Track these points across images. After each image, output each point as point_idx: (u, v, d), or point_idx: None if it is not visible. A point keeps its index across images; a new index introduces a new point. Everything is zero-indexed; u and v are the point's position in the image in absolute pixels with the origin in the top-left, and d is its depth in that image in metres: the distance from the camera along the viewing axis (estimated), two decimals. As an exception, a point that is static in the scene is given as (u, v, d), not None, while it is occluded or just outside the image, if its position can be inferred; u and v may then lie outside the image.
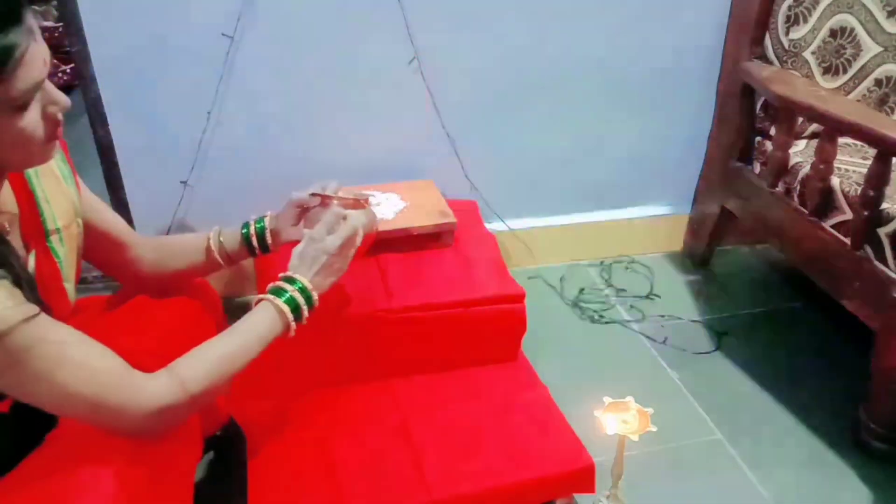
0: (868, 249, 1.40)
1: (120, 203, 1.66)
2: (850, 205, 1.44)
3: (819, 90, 1.63)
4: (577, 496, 1.22)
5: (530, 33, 1.74)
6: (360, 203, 1.19)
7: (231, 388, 0.99)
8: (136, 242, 1.10)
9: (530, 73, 1.79)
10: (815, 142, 1.57)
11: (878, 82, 1.73)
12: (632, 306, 1.89)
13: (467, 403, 1.30)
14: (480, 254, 1.53)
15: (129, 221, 1.63)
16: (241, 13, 1.54)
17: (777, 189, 1.67)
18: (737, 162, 1.83)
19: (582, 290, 1.94)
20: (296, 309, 0.99)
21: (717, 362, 1.70)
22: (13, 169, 0.84)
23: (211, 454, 1.26)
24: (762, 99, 1.75)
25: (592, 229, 2.04)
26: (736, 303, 1.92)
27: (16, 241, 0.84)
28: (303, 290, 1.00)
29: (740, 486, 1.37)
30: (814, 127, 1.72)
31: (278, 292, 0.99)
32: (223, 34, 1.55)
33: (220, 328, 0.97)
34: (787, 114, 1.59)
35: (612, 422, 1.10)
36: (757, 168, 1.78)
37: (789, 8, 1.65)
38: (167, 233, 1.68)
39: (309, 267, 1.03)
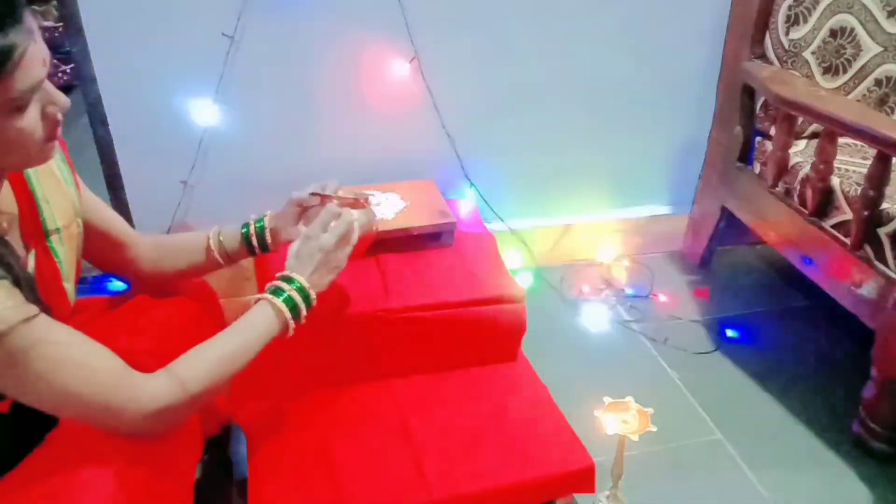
0: (868, 249, 1.40)
1: (120, 203, 1.66)
2: (850, 205, 1.44)
3: (819, 90, 1.63)
4: (577, 496, 1.22)
5: (530, 33, 1.74)
6: (359, 202, 1.19)
7: (231, 388, 0.99)
8: (136, 242, 1.10)
9: (530, 73, 1.79)
10: (815, 142, 1.57)
11: (878, 82, 1.72)
12: (632, 306, 1.89)
13: (467, 403, 1.29)
14: (480, 254, 1.53)
15: (129, 221, 1.63)
16: (241, 13, 1.54)
17: (777, 189, 1.67)
18: (737, 162, 1.83)
19: (582, 290, 1.94)
20: (294, 308, 0.99)
21: (717, 362, 1.70)
22: (13, 169, 0.84)
23: (211, 454, 1.26)
24: (762, 99, 1.75)
25: (592, 229, 2.04)
26: (736, 303, 1.92)
27: (15, 241, 0.84)
28: (301, 290, 1.00)
29: (740, 486, 1.37)
30: (814, 127, 1.72)
31: (276, 292, 0.99)
32: (223, 34, 1.55)
33: (219, 328, 0.96)
34: (787, 114, 1.59)
35: (612, 422, 1.10)
36: (757, 168, 1.78)
37: (789, 8, 1.65)
38: (167, 233, 1.68)
39: (306, 265, 1.03)
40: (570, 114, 1.87)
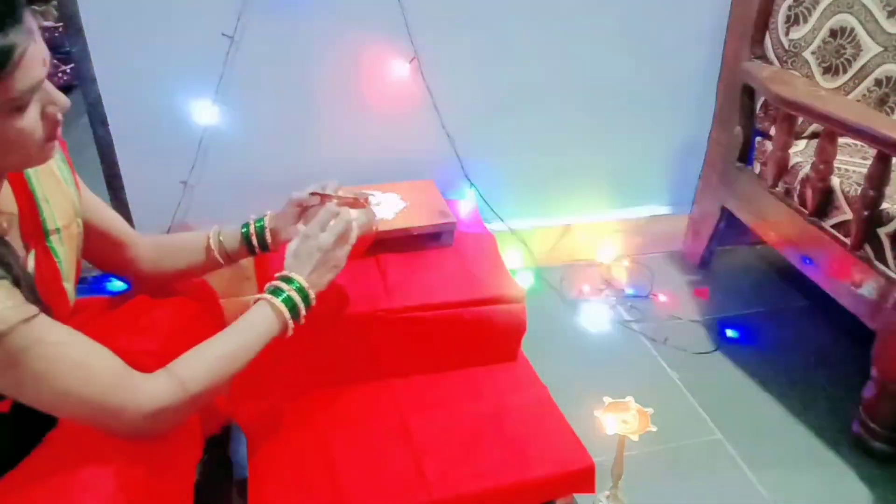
0: (868, 249, 1.40)
1: (120, 203, 1.66)
2: (850, 205, 1.44)
3: (819, 90, 1.63)
4: (577, 496, 1.22)
5: (530, 33, 1.74)
6: (359, 202, 1.19)
7: (231, 388, 0.99)
8: (136, 241, 1.10)
9: (530, 73, 1.79)
10: (815, 142, 1.57)
11: (878, 82, 1.72)
12: (632, 306, 1.89)
13: (467, 403, 1.29)
14: (480, 254, 1.53)
15: (129, 221, 1.63)
16: (241, 13, 1.54)
17: (777, 189, 1.67)
18: (737, 162, 1.83)
19: (582, 290, 1.94)
20: (293, 308, 0.99)
21: (717, 362, 1.70)
22: (12, 169, 0.84)
23: (211, 454, 1.26)
24: (762, 99, 1.75)
25: (592, 229, 2.04)
26: (736, 303, 1.92)
27: (15, 241, 0.84)
28: (300, 290, 1.00)
29: (740, 486, 1.37)
30: (814, 127, 1.72)
31: (276, 292, 0.99)
32: (223, 34, 1.55)
33: (219, 328, 0.96)
34: (787, 114, 1.59)
35: (612, 422, 1.10)
36: (757, 168, 1.78)
37: (789, 8, 1.65)
38: (167, 233, 1.68)
39: (305, 265, 1.02)
40: (570, 114, 1.87)
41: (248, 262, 1.44)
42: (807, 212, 1.55)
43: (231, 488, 1.26)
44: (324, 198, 1.16)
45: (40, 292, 0.84)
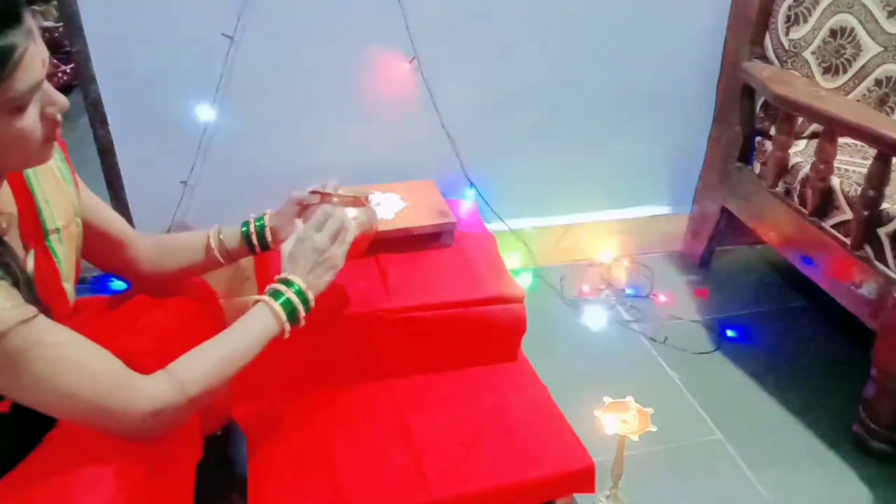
0: (868, 249, 1.40)
1: (120, 203, 1.66)
2: (850, 205, 1.44)
3: (819, 90, 1.63)
4: (577, 496, 1.22)
5: (530, 33, 1.74)
6: (359, 200, 1.18)
7: (231, 388, 0.99)
8: (136, 241, 1.10)
9: (530, 73, 1.79)
10: (815, 142, 1.57)
11: (878, 82, 1.72)
12: (632, 306, 1.89)
13: (467, 403, 1.29)
14: (480, 254, 1.53)
15: (129, 221, 1.63)
16: (241, 13, 1.54)
17: (777, 189, 1.67)
18: (737, 162, 1.83)
19: (582, 290, 1.94)
20: (292, 311, 0.99)
21: (717, 362, 1.70)
22: (12, 169, 0.84)
23: (211, 454, 1.26)
24: (762, 99, 1.75)
25: (592, 229, 2.04)
26: (736, 303, 1.92)
27: (14, 241, 0.84)
28: (299, 293, 1.00)
29: (740, 486, 1.37)
30: (814, 127, 1.72)
31: (275, 294, 0.99)
32: (223, 34, 1.55)
33: (219, 328, 0.97)
34: (787, 114, 1.59)
35: (612, 422, 1.10)
36: (757, 168, 1.78)
37: (789, 8, 1.65)
38: (167, 233, 1.68)
39: (301, 267, 1.02)
40: (570, 114, 1.87)
41: (248, 262, 1.44)
42: (807, 212, 1.55)
43: (231, 488, 1.26)
44: (324, 196, 1.16)
45: (39, 292, 0.84)
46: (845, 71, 1.70)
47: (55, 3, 2.96)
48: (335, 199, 1.15)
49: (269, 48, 1.59)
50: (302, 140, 1.72)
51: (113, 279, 1.42)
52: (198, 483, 0.95)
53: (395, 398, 1.31)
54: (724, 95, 1.89)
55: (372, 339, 1.34)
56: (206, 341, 0.92)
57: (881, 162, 1.34)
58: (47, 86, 0.76)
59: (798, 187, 1.59)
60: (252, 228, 1.16)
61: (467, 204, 1.73)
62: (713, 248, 2.04)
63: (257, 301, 0.99)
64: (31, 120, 0.74)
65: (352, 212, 1.15)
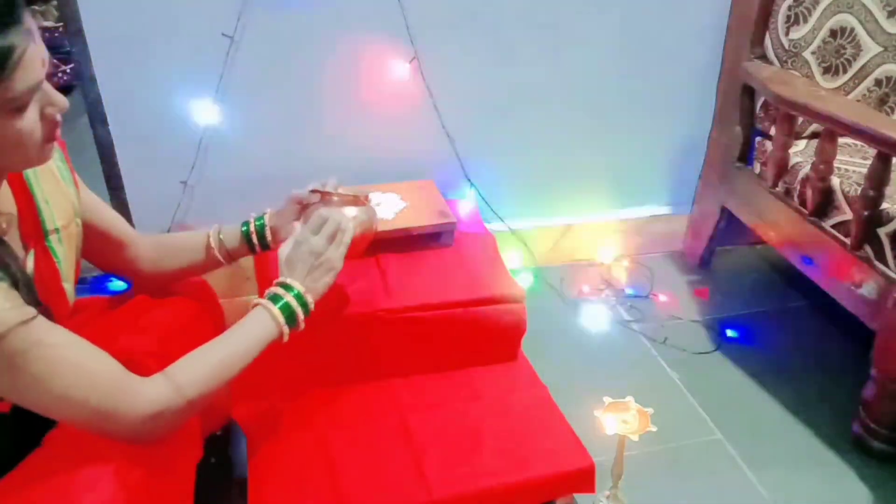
0: (868, 249, 1.40)
1: (120, 203, 1.66)
2: (850, 205, 1.44)
3: (819, 90, 1.63)
4: (577, 496, 1.22)
5: (530, 33, 1.74)
6: (359, 200, 1.18)
7: (231, 389, 0.99)
8: (136, 241, 1.10)
9: (530, 73, 1.79)
10: (815, 142, 1.57)
11: (878, 82, 1.72)
12: (632, 306, 1.89)
13: (467, 403, 1.30)
14: (480, 254, 1.53)
15: (129, 221, 1.62)
16: (241, 13, 1.54)
17: (777, 189, 1.67)
18: (737, 162, 1.83)
19: (582, 290, 1.94)
20: (291, 315, 0.98)
21: (717, 362, 1.70)
22: (11, 169, 0.84)
23: (211, 454, 1.26)
24: (762, 99, 1.75)
25: (592, 229, 2.04)
26: (736, 303, 1.92)
27: (14, 241, 0.84)
28: (298, 297, 0.99)
29: (740, 486, 1.37)
30: (814, 127, 1.72)
31: (274, 298, 0.99)
32: (223, 34, 1.55)
33: (219, 328, 0.97)
34: (787, 114, 1.59)
35: (612, 422, 1.10)
36: (757, 168, 1.78)
37: (789, 8, 1.65)
38: (167, 233, 1.68)
39: (299, 270, 1.02)
40: (570, 114, 1.87)
41: (247, 262, 1.44)
42: (807, 212, 1.55)
43: (231, 488, 1.26)
44: (324, 195, 1.16)
45: (39, 293, 0.84)
46: (845, 71, 1.70)
47: (55, 3, 2.95)
48: (335, 199, 1.15)
49: (269, 48, 1.59)
50: (302, 140, 1.72)
51: (113, 279, 1.42)
52: (198, 483, 0.95)
53: (395, 398, 1.31)
54: (724, 95, 1.89)
55: (372, 339, 1.34)
56: (205, 344, 0.91)
57: (881, 162, 1.34)
58: (47, 86, 0.76)
59: (798, 187, 1.59)
60: (252, 228, 1.16)
61: (467, 204, 1.73)
62: (713, 248, 2.04)
63: (256, 304, 0.99)
64: (30, 120, 0.74)
65: (351, 211, 1.15)
